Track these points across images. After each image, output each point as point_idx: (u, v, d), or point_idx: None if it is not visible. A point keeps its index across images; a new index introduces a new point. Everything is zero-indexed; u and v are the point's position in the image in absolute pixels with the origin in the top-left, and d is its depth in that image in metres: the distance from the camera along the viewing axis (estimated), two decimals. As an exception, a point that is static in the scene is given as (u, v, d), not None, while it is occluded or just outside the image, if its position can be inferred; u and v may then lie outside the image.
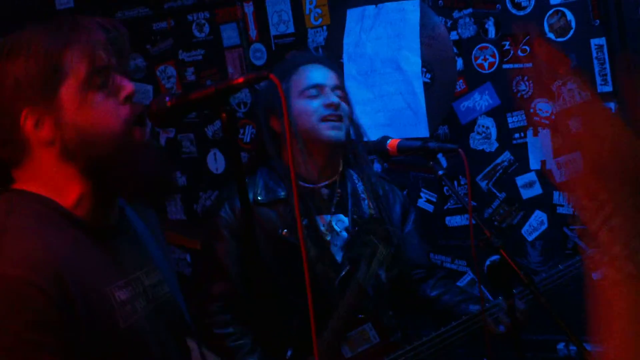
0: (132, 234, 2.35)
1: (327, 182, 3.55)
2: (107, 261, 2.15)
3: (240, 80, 2.00)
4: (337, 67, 3.71)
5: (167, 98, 2.04)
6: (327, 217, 3.52)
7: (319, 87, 3.50)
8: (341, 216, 3.55)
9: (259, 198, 3.47)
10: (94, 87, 2.10)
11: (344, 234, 3.52)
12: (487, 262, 4.48)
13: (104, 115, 2.10)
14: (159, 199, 2.50)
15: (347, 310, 3.37)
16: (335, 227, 3.51)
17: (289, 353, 3.37)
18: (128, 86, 2.15)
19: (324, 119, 3.43)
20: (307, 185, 3.50)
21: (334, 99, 3.47)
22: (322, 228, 3.49)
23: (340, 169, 3.60)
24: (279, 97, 3.47)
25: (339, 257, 3.48)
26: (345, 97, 3.57)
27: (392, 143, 3.31)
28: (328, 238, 3.49)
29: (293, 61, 3.71)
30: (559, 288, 3.43)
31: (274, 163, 3.52)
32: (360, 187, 3.60)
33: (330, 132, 3.44)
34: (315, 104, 3.46)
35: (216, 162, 5.39)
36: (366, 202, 3.58)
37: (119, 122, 2.10)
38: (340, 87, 3.58)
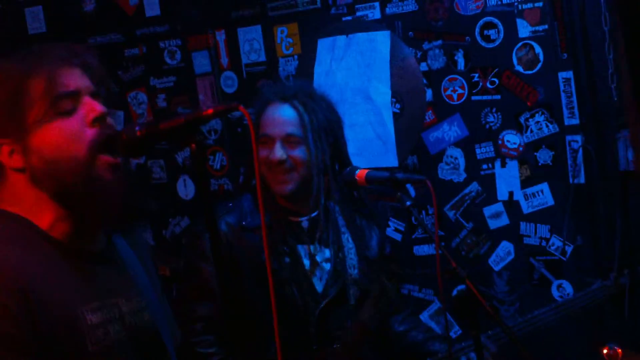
0: (116, 261, 2.35)
1: (307, 217, 3.55)
2: (83, 284, 2.15)
3: (210, 111, 2.00)
4: (308, 100, 3.55)
5: (137, 127, 2.04)
6: (308, 248, 3.51)
7: (267, 138, 3.46)
8: (322, 248, 3.55)
9: (244, 223, 3.47)
10: (62, 113, 2.12)
11: (325, 265, 3.52)
12: (454, 292, 4.50)
13: (68, 141, 2.11)
14: (132, 224, 2.49)
15: (349, 351, 3.36)
16: (317, 258, 3.51)
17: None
18: (97, 109, 2.15)
19: (271, 171, 3.44)
20: (288, 217, 3.51)
21: (279, 153, 3.41)
22: (304, 258, 3.49)
23: (322, 202, 3.59)
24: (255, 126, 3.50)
25: (319, 288, 3.48)
26: (302, 141, 3.47)
27: (360, 173, 3.31)
28: (309, 268, 3.49)
29: (264, 97, 3.60)
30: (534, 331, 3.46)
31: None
32: (340, 220, 3.60)
33: (277, 186, 3.45)
34: (264, 153, 3.45)
35: (186, 188, 5.39)
36: (346, 235, 3.58)
37: (83, 147, 2.11)
38: (297, 132, 3.47)
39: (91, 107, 2.15)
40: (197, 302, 3.44)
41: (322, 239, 3.55)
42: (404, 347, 3.71)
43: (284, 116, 3.49)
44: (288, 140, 3.45)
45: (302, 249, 3.50)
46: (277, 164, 3.41)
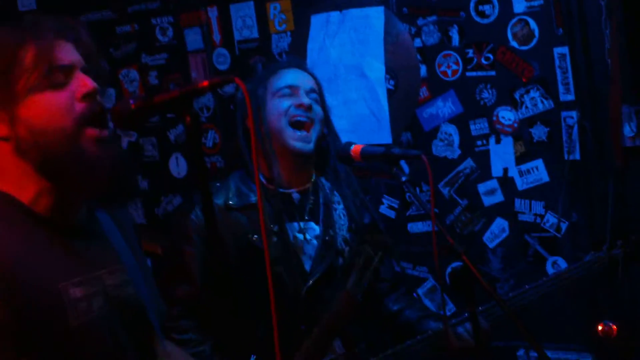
0: (98, 235, 2.34)
1: (299, 189, 3.53)
2: (65, 258, 2.14)
3: (205, 83, 1.99)
4: (313, 72, 3.70)
5: (131, 101, 2.02)
6: (298, 225, 3.50)
7: (293, 88, 3.49)
8: (312, 224, 3.53)
9: (231, 202, 3.44)
10: (54, 85, 2.11)
11: (315, 242, 3.49)
12: (449, 269, 4.50)
13: (57, 113, 2.09)
14: (118, 200, 2.47)
15: (334, 321, 3.34)
16: (306, 235, 3.49)
17: (252, 358, 3.34)
18: (89, 84, 2.14)
19: (293, 124, 3.42)
20: (279, 190, 3.49)
21: (306, 100, 3.45)
22: (292, 235, 3.47)
23: (313, 177, 3.59)
24: (255, 98, 3.49)
25: (307, 266, 3.45)
26: (321, 101, 3.57)
27: (355, 149, 3.29)
28: (299, 246, 3.47)
29: (275, 65, 3.71)
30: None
31: (249, 165, 3.50)
32: (329, 195, 3.58)
33: (297, 142, 3.42)
34: (286, 103, 3.44)
35: (178, 166, 5.36)
36: (337, 212, 3.56)
37: (71, 120, 2.10)
38: (317, 90, 3.58)
39: (83, 82, 2.14)
40: (176, 284, 3.42)
41: (312, 214, 3.54)
42: (398, 326, 3.69)
43: (302, 74, 3.58)
44: (310, 94, 3.52)
45: (291, 227, 3.48)
46: (306, 108, 3.43)
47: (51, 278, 2.06)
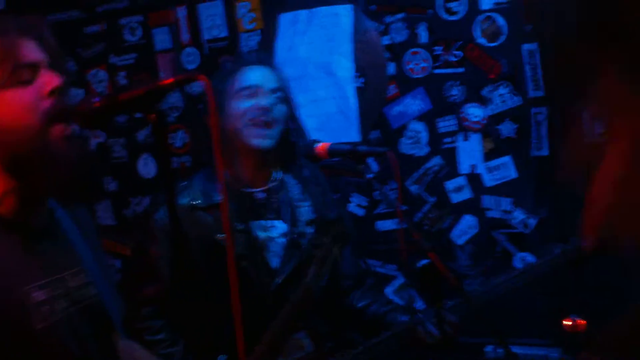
0: (59, 236, 2.32)
1: (263, 188, 3.52)
2: (27, 261, 2.13)
3: (170, 81, 1.98)
4: (279, 69, 3.68)
5: (95, 99, 2.01)
6: (263, 223, 3.49)
7: (255, 88, 3.46)
8: (277, 222, 3.52)
9: (196, 202, 3.43)
10: (20, 82, 2.09)
11: (281, 240, 3.49)
12: (418, 266, 4.49)
13: (23, 111, 2.08)
14: (83, 199, 2.46)
15: (292, 314, 3.33)
16: (272, 233, 3.48)
17: (220, 358, 3.32)
18: (55, 81, 2.12)
19: (252, 123, 3.41)
20: (243, 190, 3.48)
21: (265, 102, 3.43)
22: (258, 234, 3.46)
23: (280, 174, 3.58)
24: (218, 96, 3.47)
25: (274, 263, 3.45)
26: (286, 99, 3.54)
27: (322, 146, 3.30)
28: (264, 244, 3.46)
29: (240, 61, 3.68)
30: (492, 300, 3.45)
31: (211, 166, 3.49)
32: (295, 193, 3.58)
33: (256, 140, 3.41)
34: (246, 104, 3.42)
35: (147, 167, 5.34)
36: (301, 209, 3.56)
37: (38, 117, 2.08)
38: (281, 88, 3.54)
39: (49, 79, 2.13)
40: (145, 284, 3.41)
41: (277, 212, 3.53)
42: (366, 322, 3.68)
43: (266, 73, 3.54)
44: (275, 94, 3.48)
45: (256, 225, 3.47)
46: (265, 111, 3.41)
47: (14, 282, 2.06)
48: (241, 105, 3.43)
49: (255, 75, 3.51)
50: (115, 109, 2.03)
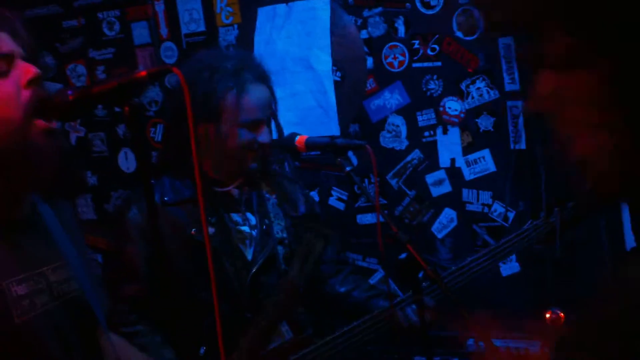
0: (41, 230, 2.31)
1: (236, 184, 3.53)
2: (7, 255, 2.12)
3: (143, 73, 1.98)
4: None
5: (69, 92, 2.01)
6: (236, 216, 3.50)
7: (258, 122, 3.46)
8: (249, 215, 3.56)
9: (166, 198, 3.44)
10: None
11: (253, 232, 3.52)
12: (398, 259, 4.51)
13: (3, 103, 2.07)
14: (64, 194, 2.45)
15: (279, 310, 3.34)
16: (244, 225, 3.50)
17: (202, 351, 3.34)
18: (32, 70, 2.12)
19: (250, 151, 3.44)
20: (218, 189, 3.49)
21: (265, 138, 3.46)
22: (234, 227, 3.47)
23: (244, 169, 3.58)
24: (216, 106, 3.44)
25: (249, 255, 3.48)
26: (274, 113, 3.59)
27: (300, 139, 3.31)
28: (240, 237, 3.48)
29: (241, 74, 3.51)
30: (469, 283, 3.46)
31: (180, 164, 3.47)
32: (264, 186, 3.60)
33: (252, 164, 3.48)
34: (248, 137, 3.44)
35: (127, 161, 5.33)
36: (270, 201, 3.57)
37: (19, 110, 2.07)
38: (273, 109, 3.59)
39: (26, 69, 2.12)
40: (122, 282, 3.41)
41: (249, 206, 3.56)
42: (347, 307, 3.71)
43: (263, 98, 3.52)
44: (268, 119, 3.54)
45: (229, 218, 3.50)
46: (266, 147, 3.46)
47: None
48: (245, 137, 3.43)
49: (259, 104, 3.49)
50: (89, 102, 2.04)
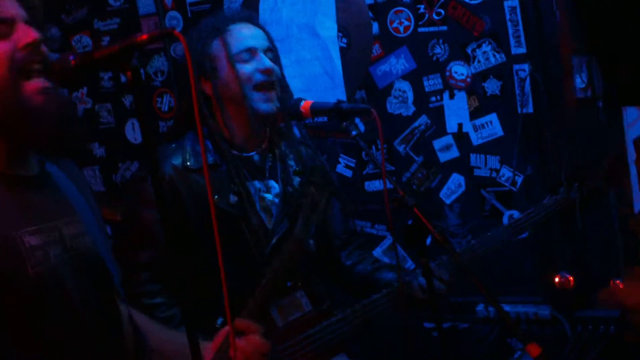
0: (52, 186, 2.33)
1: (258, 150, 3.50)
2: (18, 208, 2.14)
3: (144, 37, 1.96)
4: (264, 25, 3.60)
5: (71, 57, 2.01)
6: (259, 184, 3.47)
7: (252, 50, 3.39)
8: (272, 182, 3.51)
9: (189, 164, 3.39)
10: None
11: (276, 200, 3.48)
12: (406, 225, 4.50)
13: None
14: (69, 153, 2.45)
15: (283, 266, 3.31)
16: (269, 193, 3.47)
17: (219, 321, 3.32)
18: (31, 34, 2.13)
19: (257, 88, 3.36)
20: (238, 153, 3.45)
21: (268, 63, 3.39)
22: (256, 195, 3.44)
23: (268, 135, 3.55)
24: (208, 58, 3.42)
25: (270, 225, 3.44)
26: (276, 59, 3.49)
27: (305, 105, 3.28)
28: (263, 205, 3.45)
29: (222, 18, 3.53)
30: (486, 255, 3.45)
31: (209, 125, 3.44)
32: (285, 153, 3.56)
33: (263, 105, 3.37)
34: (249, 69, 3.36)
35: (134, 132, 5.33)
36: (293, 168, 3.54)
37: (11, 68, 2.09)
38: (272, 48, 3.49)
39: (25, 32, 2.13)
40: (139, 249, 3.38)
41: (273, 174, 3.52)
42: (353, 280, 3.70)
43: (256, 32, 3.47)
44: (267, 54, 3.44)
45: (252, 186, 3.44)
46: (270, 73, 3.37)
47: (7, 227, 2.07)
48: (244, 70, 3.37)
49: (249, 37, 3.43)
50: (91, 67, 2.03)
